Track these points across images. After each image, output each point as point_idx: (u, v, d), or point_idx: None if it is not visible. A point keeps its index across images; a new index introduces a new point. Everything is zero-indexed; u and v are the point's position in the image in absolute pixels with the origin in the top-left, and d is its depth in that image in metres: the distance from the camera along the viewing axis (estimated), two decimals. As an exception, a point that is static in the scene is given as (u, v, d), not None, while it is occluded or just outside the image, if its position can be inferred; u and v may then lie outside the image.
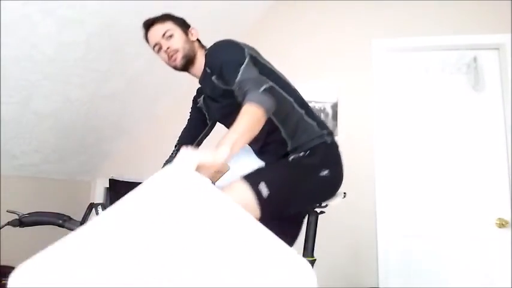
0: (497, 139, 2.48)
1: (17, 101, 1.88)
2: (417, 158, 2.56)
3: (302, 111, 1.34)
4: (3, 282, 2.08)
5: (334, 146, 1.34)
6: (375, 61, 2.67)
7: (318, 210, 1.37)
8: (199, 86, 1.52)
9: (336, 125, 2.49)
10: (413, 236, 2.48)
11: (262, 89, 1.12)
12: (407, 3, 2.68)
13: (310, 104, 1.41)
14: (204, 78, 1.38)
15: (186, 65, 1.36)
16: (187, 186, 0.77)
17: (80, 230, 0.70)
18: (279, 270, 0.61)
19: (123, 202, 0.75)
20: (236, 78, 1.17)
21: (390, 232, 2.48)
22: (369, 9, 2.73)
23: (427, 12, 2.64)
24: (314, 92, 2.62)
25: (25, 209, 1.16)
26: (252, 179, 1.11)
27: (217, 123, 1.58)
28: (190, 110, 1.61)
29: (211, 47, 1.34)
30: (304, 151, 1.26)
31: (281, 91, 1.30)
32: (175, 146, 1.56)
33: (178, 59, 1.34)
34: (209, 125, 1.59)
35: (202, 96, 1.52)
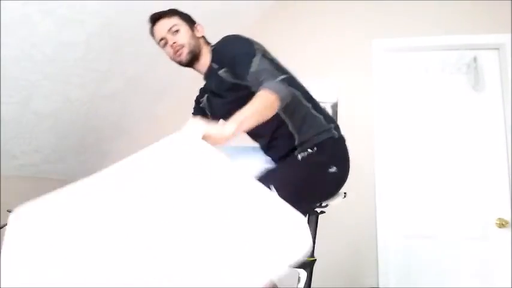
0: (497, 139, 2.48)
1: (17, 101, 1.88)
2: (417, 158, 2.56)
3: (309, 105, 1.35)
4: (3, 282, 2.07)
5: (341, 141, 1.35)
6: (375, 61, 2.67)
7: (318, 210, 1.37)
8: (202, 86, 1.52)
9: (336, 125, 2.50)
10: (413, 236, 2.47)
11: (279, 78, 1.14)
12: (407, 3, 2.68)
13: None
14: (209, 74, 1.38)
15: (192, 60, 1.36)
16: (192, 149, 0.80)
17: (84, 181, 0.77)
18: (276, 224, 0.63)
19: (130, 160, 0.80)
20: (249, 69, 1.18)
21: (390, 232, 2.48)
22: (369, 9, 2.73)
23: (427, 12, 2.64)
24: (314, 91, 2.61)
25: (25, 209, 1.16)
26: (261, 182, 1.10)
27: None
28: (192, 111, 1.60)
29: (220, 41, 1.35)
30: (311, 147, 1.26)
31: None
32: None
33: (184, 54, 1.34)
34: None
35: (206, 95, 1.52)
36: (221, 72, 1.31)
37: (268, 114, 1.09)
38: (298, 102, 1.33)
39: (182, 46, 1.33)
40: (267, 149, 1.44)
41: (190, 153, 0.80)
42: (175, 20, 1.35)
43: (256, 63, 1.20)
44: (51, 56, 1.84)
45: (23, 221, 0.73)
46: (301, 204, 1.19)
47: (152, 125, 2.84)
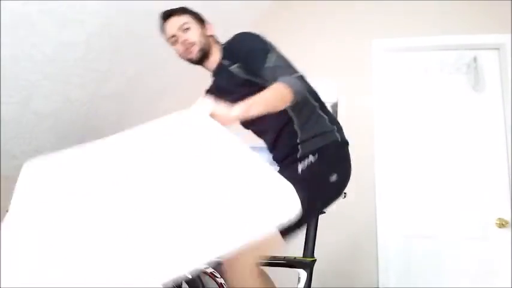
0: (497, 139, 2.48)
1: (17, 101, 1.88)
2: (417, 158, 2.56)
3: (316, 104, 1.37)
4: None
5: (343, 144, 1.35)
6: (375, 61, 2.67)
7: (318, 210, 1.37)
8: (208, 86, 1.53)
9: (336, 125, 2.50)
10: (413, 236, 2.47)
11: (295, 75, 1.16)
12: (407, 3, 2.68)
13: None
14: (219, 71, 1.39)
15: (202, 58, 1.38)
16: (196, 122, 0.86)
17: (96, 143, 0.87)
18: (266, 189, 0.66)
19: (139, 128, 0.89)
20: (265, 64, 1.20)
21: (390, 232, 2.48)
22: (369, 9, 2.73)
23: (427, 12, 2.64)
24: (314, 92, 2.62)
25: (25, 209, 1.16)
26: None
27: None
28: None
29: (233, 37, 1.36)
30: (312, 153, 1.26)
31: None
32: None
33: (195, 52, 1.35)
34: None
35: (212, 96, 1.53)
36: (233, 67, 1.33)
37: (279, 105, 1.10)
38: (307, 101, 1.34)
39: (193, 44, 1.35)
40: (272, 147, 1.44)
41: (194, 125, 0.85)
42: (186, 18, 1.37)
43: (271, 59, 1.22)
44: (51, 56, 1.84)
45: (34, 172, 0.82)
46: (306, 215, 1.20)
47: (152, 125, 2.83)
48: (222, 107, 0.96)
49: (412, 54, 2.67)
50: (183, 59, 1.41)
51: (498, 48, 2.56)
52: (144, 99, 2.65)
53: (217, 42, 1.44)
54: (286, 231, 1.12)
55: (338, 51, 2.71)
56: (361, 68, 2.66)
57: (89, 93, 2.20)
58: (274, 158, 1.46)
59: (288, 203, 0.64)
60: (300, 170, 1.22)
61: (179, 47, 1.37)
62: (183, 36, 1.35)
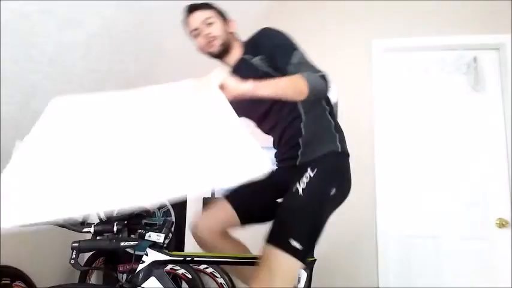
0: (497, 139, 2.48)
1: (17, 101, 1.88)
2: (417, 158, 2.56)
3: (327, 108, 1.38)
4: (3, 282, 2.07)
5: (342, 155, 1.35)
6: (375, 61, 2.67)
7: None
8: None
9: (336, 125, 2.50)
10: (413, 236, 2.48)
11: (319, 74, 1.18)
12: (407, 3, 2.68)
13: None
14: (239, 66, 1.40)
15: (222, 52, 1.40)
16: (202, 89, 0.97)
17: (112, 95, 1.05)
18: (239, 148, 0.77)
19: (150, 88, 1.06)
20: (290, 60, 1.23)
21: (390, 232, 2.48)
22: (369, 9, 2.73)
23: (427, 12, 2.64)
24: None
25: (25, 209, 1.16)
26: (282, 241, 1.15)
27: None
28: None
29: (258, 32, 1.38)
30: (310, 167, 1.26)
31: None
32: None
33: (216, 46, 1.38)
34: None
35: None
36: (255, 59, 1.35)
37: (290, 95, 1.11)
38: (318, 102, 1.36)
39: (215, 38, 1.37)
40: (277, 143, 1.46)
41: (199, 91, 0.96)
42: (210, 13, 1.39)
43: (297, 56, 1.25)
44: (51, 56, 1.84)
45: (59, 108, 0.98)
46: (319, 232, 1.22)
47: (152, 125, 2.83)
48: (232, 80, 1.00)
49: (412, 54, 2.67)
50: (203, 53, 1.43)
51: (498, 48, 2.56)
52: (144, 99, 2.65)
53: (238, 39, 1.46)
54: (306, 254, 1.18)
55: (338, 51, 2.71)
56: (361, 68, 2.66)
57: (89, 93, 2.20)
58: (276, 155, 1.48)
59: (256, 163, 0.72)
60: (301, 191, 1.22)
61: (201, 40, 1.40)
62: (206, 30, 1.38)
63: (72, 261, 1.08)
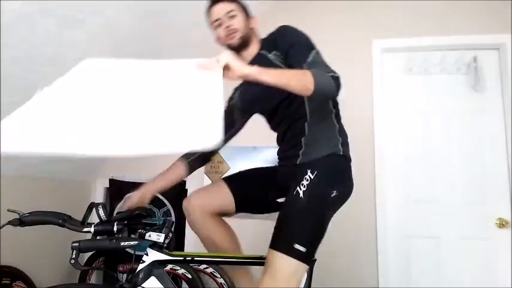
0: (497, 139, 2.48)
1: (17, 101, 1.88)
2: (417, 158, 2.56)
3: (333, 110, 1.39)
4: (3, 282, 2.08)
5: (343, 158, 1.35)
6: (375, 61, 2.67)
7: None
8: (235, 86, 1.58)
9: (336, 125, 2.50)
10: (413, 236, 2.48)
11: (331, 74, 1.18)
12: (407, 3, 2.68)
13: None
14: (255, 59, 1.41)
15: (241, 46, 1.41)
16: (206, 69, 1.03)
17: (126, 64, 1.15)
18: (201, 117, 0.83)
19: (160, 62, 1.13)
20: (307, 59, 1.23)
21: (390, 232, 2.48)
22: (369, 9, 2.73)
23: (427, 13, 2.64)
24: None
25: (25, 209, 1.16)
26: (286, 245, 1.16)
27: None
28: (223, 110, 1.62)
29: (277, 29, 1.39)
30: (310, 169, 1.26)
31: None
32: None
33: (236, 38, 1.39)
34: (236, 126, 1.59)
35: (239, 90, 1.57)
36: (271, 55, 1.36)
37: (294, 87, 1.10)
38: (325, 104, 1.37)
39: (236, 31, 1.38)
40: (281, 139, 1.47)
41: (203, 68, 1.02)
42: (234, 6, 1.40)
43: (313, 55, 1.26)
44: (51, 56, 1.84)
45: (82, 68, 1.09)
46: (322, 233, 1.24)
47: (152, 125, 2.83)
48: (237, 61, 1.02)
49: (412, 54, 2.67)
50: (221, 44, 1.44)
51: (498, 48, 2.56)
52: (144, 99, 2.64)
53: (257, 35, 1.47)
54: (310, 256, 1.19)
55: (338, 51, 2.70)
56: (362, 68, 2.66)
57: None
58: (278, 153, 1.49)
59: (208, 135, 0.76)
60: (301, 193, 1.23)
61: (221, 32, 1.40)
62: (227, 22, 1.38)
63: (72, 261, 1.08)
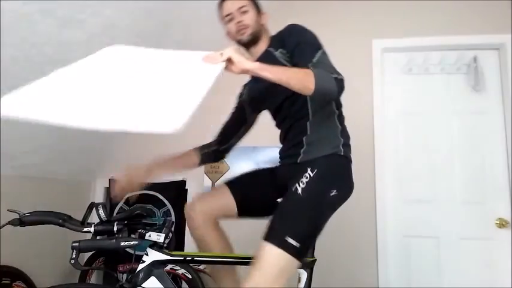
0: (497, 139, 2.48)
1: (17, 101, 1.88)
2: (417, 158, 2.56)
3: (336, 112, 1.39)
4: (3, 282, 2.08)
5: (343, 159, 1.35)
6: (375, 61, 2.67)
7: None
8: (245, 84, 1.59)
9: (336, 125, 2.50)
10: (413, 236, 2.48)
11: (334, 75, 1.17)
12: (407, 3, 2.68)
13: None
14: (263, 56, 1.41)
15: (251, 42, 1.41)
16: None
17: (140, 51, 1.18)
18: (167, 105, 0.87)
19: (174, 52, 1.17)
20: (313, 58, 1.23)
21: (390, 232, 2.48)
22: (369, 9, 2.73)
23: (427, 12, 2.64)
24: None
25: (25, 209, 1.16)
26: (278, 238, 1.14)
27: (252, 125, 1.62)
28: (234, 106, 1.64)
29: (286, 27, 1.39)
30: (310, 167, 1.26)
31: None
32: (216, 139, 1.61)
33: (246, 34, 1.39)
34: (247, 123, 1.61)
35: (248, 86, 1.58)
36: (277, 52, 1.36)
37: (294, 85, 1.11)
38: (328, 104, 1.36)
39: (247, 26, 1.39)
40: (283, 138, 1.47)
41: (207, 60, 1.06)
42: (245, 2, 1.41)
43: (319, 56, 1.25)
44: (51, 56, 1.84)
45: (102, 53, 1.15)
46: (317, 232, 1.24)
47: (152, 125, 2.83)
48: (240, 56, 1.05)
49: (412, 54, 2.67)
50: (231, 39, 1.44)
51: (498, 48, 2.56)
52: (144, 99, 2.64)
53: (267, 32, 1.47)
54: (303, 252, 1.17)
55: (338, 51, 2.69)
56: (361, 68, 2.66)
57: (89, 93, 2.20)
58: (280, 152, 1.49)
59: (170, 120, 0.79)
60: (300, 190, 1.23)
61: (232, 27, 1.41)
62: (239, 17, 1.39)
63: (72, 261, 1.08)
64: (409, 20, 2.67)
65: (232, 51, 1.05)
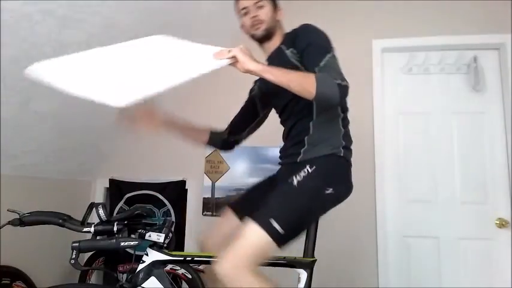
0: (497, 139, 2.48)
1: (17, 101, 1.88)
2: (417, 158, 2.56)
3: (341, 114, 1.40)
4: (3, 282, 2.08)
5: (343, 161, 1.34)
6: (375, 61, 2.67)
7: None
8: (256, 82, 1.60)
9: (336, 125, 2.50)
10: (413, 236, 2.48)
11: (338, 81, 1.17)
12: (407, 3, 2.68)
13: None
14: (275, 55, 1.42)
15: (265, 37, 1.41)
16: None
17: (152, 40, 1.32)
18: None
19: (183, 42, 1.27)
20: (320, 62, 1.23)
21: (390, 232, 2.48)
22: (369, 9, 2.73)
23: (427, 13, 2.64)
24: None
25: (25, 209, 1.16)
26: (262, 218, 1.15)
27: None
28: (245, 100, 1.65)
29: (299, 26, 1.39)
30: (309, 164, 1.26)
31: None
32: (226, 129, 1.63)
33: (261, 29, 1.40)
34: (259, 117, 1.62)
35: (258, 83, 1.59)
36: (288, 51, 1.37)
37: (294, 88, 1.13)
38: (334, 107, 1.36)
39: (262, 21, 1.39)
40: (286, 136, 1.47)
41: (215, 55, 1.11)
42: None
43: (327, 59, 1.25)
44: (51, 56, 1.84)
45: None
46: (303, 225, 1.24)
47: (152, 125, 2.83)
48: (244, 56, 1.09)
49: (412, 54, 2.67)
50: (245, 32, 1.44)
51: (498, 48, 2.56)
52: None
53: (282, 29, 1.47)
54: (283, 240, 1.15)
55: (338, 51, 2.69)
56: (361, 68, 2.66)
57: (89, 93, 2.20)
58: (280, 150, 1.49)
59: (121, 95, 0.92)
60: (295, 182, 1.23)
61: (247, 21, 1.41)
62: (254, 12, 1.39)
63: (72, 261, 1.08)
64: (409, 20, 2.67)
65: (239, 50, 1.08)
